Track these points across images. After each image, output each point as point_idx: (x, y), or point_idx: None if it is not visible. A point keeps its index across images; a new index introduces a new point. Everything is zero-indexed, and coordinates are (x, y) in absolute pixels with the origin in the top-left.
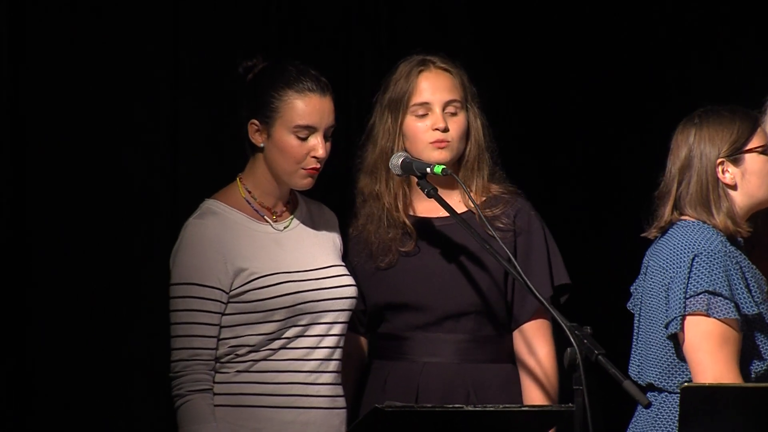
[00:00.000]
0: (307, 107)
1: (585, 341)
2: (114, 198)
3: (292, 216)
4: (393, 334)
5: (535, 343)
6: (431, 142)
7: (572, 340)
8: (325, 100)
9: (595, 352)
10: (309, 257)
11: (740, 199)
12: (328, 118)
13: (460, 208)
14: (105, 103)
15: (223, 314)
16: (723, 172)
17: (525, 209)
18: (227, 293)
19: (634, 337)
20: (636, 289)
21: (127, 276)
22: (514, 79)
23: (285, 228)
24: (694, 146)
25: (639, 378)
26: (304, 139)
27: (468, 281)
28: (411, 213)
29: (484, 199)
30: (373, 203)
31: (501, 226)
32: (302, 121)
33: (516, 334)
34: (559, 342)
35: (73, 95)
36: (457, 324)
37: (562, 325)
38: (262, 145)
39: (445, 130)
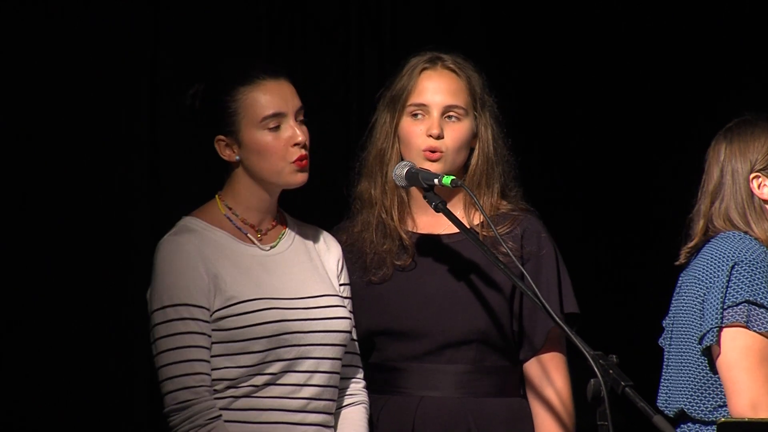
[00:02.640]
0: (266, 95)
1: (610, 372)
2: (89, 215)
3: (279, 237)
4: (385, 365)
5: (550, 376)
6: (423, 149)
7: (596, 370)
8: (281, 82)
9: (622, 383)
10: (298, 284)
11: None
12: (292, 100)
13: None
14: (80, 112)
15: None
16: (759, 186)
17: (533, 229)
18: (211, 314)
19: (663, 369)
20: (667, 323)
21: (106, 297)
22: (532, 85)
23: (272, 248)
24: (725, 163)
25: (666, 407)
26: (277, 130)
27: (470, 306)
28: (410, 228)
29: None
30: (369, 210)
31: (504, 250)
32: (267, 111)
33: (528, 366)
34: (583, 373)
35: (48, 104)
36: (458, 353)
37: (585, 353)
38: (237, 158)
39: (439, 137)
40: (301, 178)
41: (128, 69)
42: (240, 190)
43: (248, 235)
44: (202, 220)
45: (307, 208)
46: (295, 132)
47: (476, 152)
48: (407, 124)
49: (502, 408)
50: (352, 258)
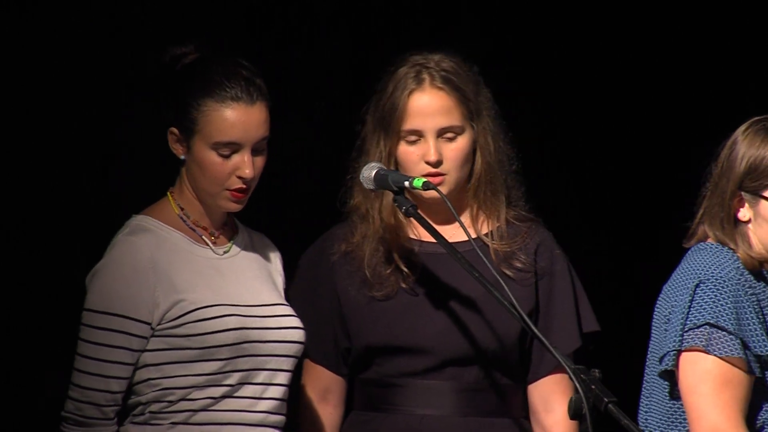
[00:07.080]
0: (228, 120)
1: (593, 387)
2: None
3: (231, 242)
4: (382, 381)
5: (554, 401)
6: (423, 175)
7: (577, 385)
8: (252, 110)
9: (605, 400)
10: (252, 291)
11: (755, 241)
12: (256, 131)
13: (464, 235)
14: (62, 109)
15: (144, 350)
16: (739, 203)
17: (547, 244)
18: (153, 328)
19: (643, 386)
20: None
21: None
22: (546, 82)
23: (225, 253)
24: (725, 160)
25: (645, 427)
26: (227, 157)
27: (477, 321)
28: (417, 237)
29: (497, 226)
30: (368, 226)
31: (519, 265)
32: (223, 138)
33: (531, 388)
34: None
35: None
36: (461, 370)
37: (566, 368)
38: (183, 157)
39: (438, 163)
40: (233, 207)
41: (107, 60)
42: (187, 191)
43: (203, 237)
44: (156, 219)
45: (306, 211)
46: (244, 164)
47: (478, 161)
48: (404, 148)
49: (506, 429)
50: (350, 268)
